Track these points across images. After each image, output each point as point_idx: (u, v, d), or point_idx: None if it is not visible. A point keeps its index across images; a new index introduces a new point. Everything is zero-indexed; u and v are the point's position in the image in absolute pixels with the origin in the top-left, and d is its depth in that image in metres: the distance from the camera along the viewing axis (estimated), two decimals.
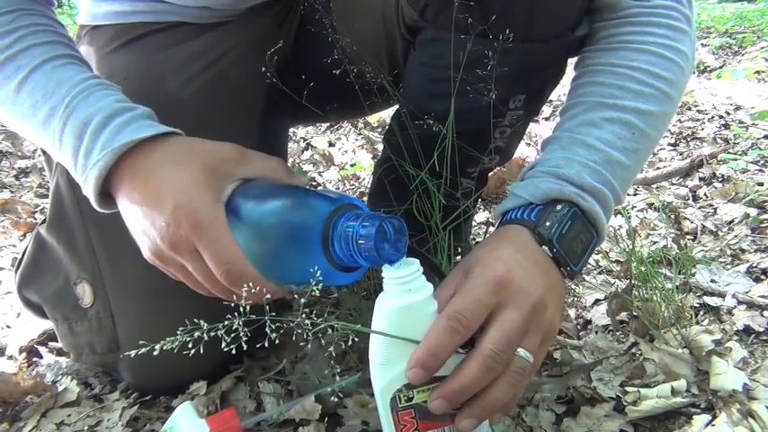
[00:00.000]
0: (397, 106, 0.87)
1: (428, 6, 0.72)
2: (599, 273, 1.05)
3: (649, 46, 0.66)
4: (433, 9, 0.71)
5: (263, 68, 0.75)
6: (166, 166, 0.56)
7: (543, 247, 0.59)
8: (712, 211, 1.26)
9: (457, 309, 0.50)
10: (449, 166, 0.76)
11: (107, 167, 0.55)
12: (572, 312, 0.93)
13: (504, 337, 0.50)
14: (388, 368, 0.52)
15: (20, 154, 1.83)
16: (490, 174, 1.03)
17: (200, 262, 0.54)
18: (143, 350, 0.49)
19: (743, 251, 1.06)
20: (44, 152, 0.82)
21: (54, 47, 0.63)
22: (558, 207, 0.60)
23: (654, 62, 0.66)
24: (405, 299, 0.51)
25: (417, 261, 0.52)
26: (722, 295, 0.92)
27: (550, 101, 2.10)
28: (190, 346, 0.49)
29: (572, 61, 0.76)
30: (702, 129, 1.83)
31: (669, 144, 1.76)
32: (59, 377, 0.81)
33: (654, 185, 1.46)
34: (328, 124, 2.05)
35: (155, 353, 0.47)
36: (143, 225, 0.55)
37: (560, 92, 2.19)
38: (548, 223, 0.59)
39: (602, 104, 0.65)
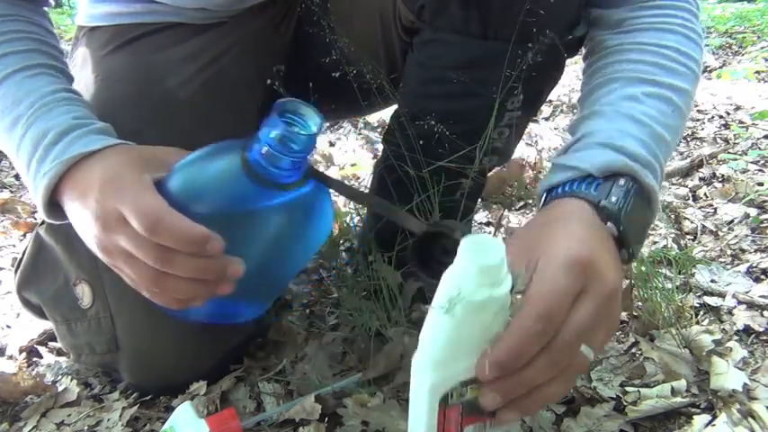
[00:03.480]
0: (396, 106, 0.87)
1: (425, 7, 0.71)
2: None
3: (677, 27, 0.66)
4: (430, 10, 0.71)
5: (268, 81, 0.75)
6: (104, 163, 0.57)
7: (608, 224, 0.54)
8: (712, 211, 1.26)
9: (547, 305, 0.45)
10: (446, 168, 0.76)
11: (57, 177, 0.57)
12: None
13: (577, 334, 0.46)
14: (447, 365, 0.47)
15: None
16: (490, 174, 1.02)
17: (131, 232, 0.52)
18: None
19: (743, 251, 1.06)
20: None
21: (31, 55, 0.65)
22: (621, 182, 0.56)
23: (683, 42, 0.65)
24: (485, 292, 0.43)
25: (503, 247, 0.44)
26: (722, 295, 0.92)
27: (550, 101, 2.10)
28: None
29: (570, 61, 0.76)
30: (702, 129, 1.83)
31: None
32: (59, 377, 0.81)
33: None
34: (328, 124, 2.05)
35: None
36: (83, 218, 0.56)
37: (560, 92, 2.20)
38: (613, 198, 0.54)
39: (639, 79, 0.63)
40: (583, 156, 0.58)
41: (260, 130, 0.50)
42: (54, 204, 0.60)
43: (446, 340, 0.45)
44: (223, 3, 0.83)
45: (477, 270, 0.43)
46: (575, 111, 2.11)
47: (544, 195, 0.61)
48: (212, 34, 0.84)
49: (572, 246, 0.49)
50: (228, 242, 0.51)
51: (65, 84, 0.66)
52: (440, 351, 0.46)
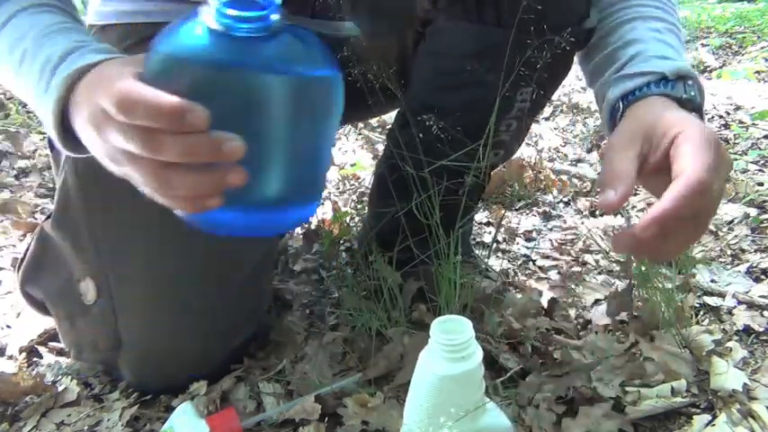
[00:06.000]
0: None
1: None
2: (599, 273, 1.05)
3: None
4: None
5: None
6: (106, 71, 0.54)
7: (693, 114, 0.59)
8: None
9: (705, 178, 0.49)
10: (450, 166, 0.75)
11: (61, 93, 0.55)
12: (572, 312, 0.93)
13: (717, 204, 0.53)
14: None
15: (20, 154, 1.83)
16: (493, 172, 1.02)
17: (114, 123, 0.48)
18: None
19: (743, 251, 1.06)
20: (51, 148, 0.82)
21: None
22: (690, 82, 0.61)
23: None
24: (457, 366, 0.48)
25: (470, 323, 0.49)
26: (722, 295, 0.92)
27: (550, 101, 2.10)
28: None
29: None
30: None
31: None
32: (59, 377, 0.81)
33: None
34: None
35: None
36: (83, 129, 0.53)
37: (560, 92, 2.19)
38: (692, 93, 0.60)
39: (654, 17, 0.69)
40: (650, 64, 0.63)
41: None
42: (68, 132, 0.57)
43: (423, 410, 0.50)
44: None
45: (446, 346, 0.48)
46: (575, 111, 2.11)
47: (618, 102, 0.64)
48: None
49: (701, 125, 0.54)
50: (221, 121, 0.44)
51: (71, 19, 0.65)
52: (413, 420, 0.51)
